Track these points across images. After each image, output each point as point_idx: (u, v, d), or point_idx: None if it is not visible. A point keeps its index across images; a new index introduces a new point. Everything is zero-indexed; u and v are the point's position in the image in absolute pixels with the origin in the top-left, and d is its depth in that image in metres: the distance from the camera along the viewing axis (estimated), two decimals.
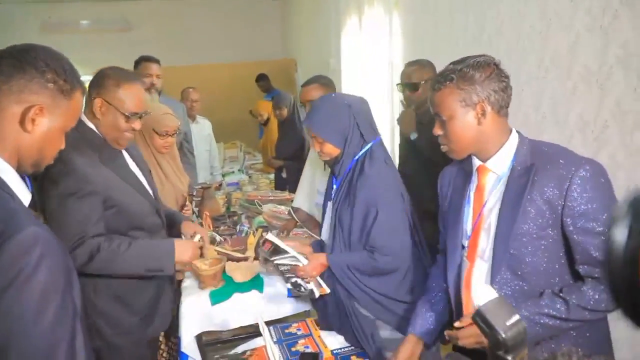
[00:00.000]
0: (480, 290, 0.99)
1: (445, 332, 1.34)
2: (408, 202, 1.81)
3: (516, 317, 0.90)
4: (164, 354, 2.21)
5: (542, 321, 1.22)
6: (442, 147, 1.39)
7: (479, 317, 0.93)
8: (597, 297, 1.19)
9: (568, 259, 1.27)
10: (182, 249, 1.79)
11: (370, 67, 4.01)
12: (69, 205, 1.59)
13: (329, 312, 1.86)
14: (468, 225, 1.39)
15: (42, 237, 0.89)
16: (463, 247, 1.41)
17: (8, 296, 0.83)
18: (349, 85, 4.47)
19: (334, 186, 1.88)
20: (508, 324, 0.89)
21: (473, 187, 1.40)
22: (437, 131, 1.36)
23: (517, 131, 1.35)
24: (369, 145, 1.77)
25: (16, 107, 0.94)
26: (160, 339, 2.22)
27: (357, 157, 1.78)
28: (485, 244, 1.34)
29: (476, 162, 1.37)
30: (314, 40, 6.10)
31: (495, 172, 1.34)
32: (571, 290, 1.23)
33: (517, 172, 1.29)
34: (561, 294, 1.23)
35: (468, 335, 1.25)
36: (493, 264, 1.30)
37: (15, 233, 0.85)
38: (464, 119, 1.30)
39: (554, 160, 1.24)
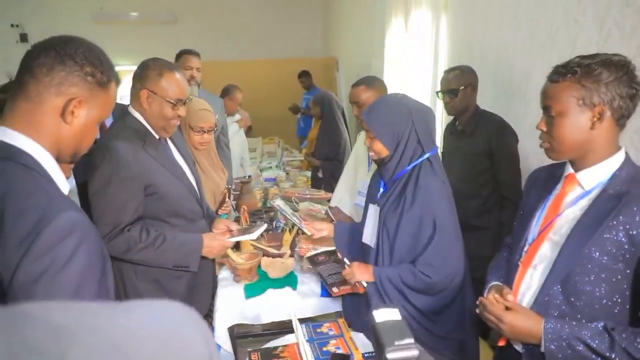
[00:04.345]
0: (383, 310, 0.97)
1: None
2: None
3: (409, 340, 0.88)
4: None
5: (577, 348, 1.11)
6: (542, 144, 1.28)
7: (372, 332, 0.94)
8: None
9: (634, 303, 1.14)
10: (210, 246, 1.86)
11: (414, 70, 3.95)
12: (107, 191, 1.66)
13: (362, 312, 1.84)
14: (536, 230, 1.31)
15: (80, 223, 0.86)
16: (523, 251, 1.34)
17: (44, 284, 0.80)
18: (391, 87, 4.41)
19: (381, 189, 1.84)
20: (397, 343, 0.88)
21: (554, 194, 1.31)
22: (541, 126, 1.25)
23: (626, 152, 1.22)
24: (426, 155, 1.72)
25: (57, 100, 0.95)
26: None
27: (413, 165, 1.73)
28: (546, 255, 1.26)
29: (568, 170, 1.28)
30: (356, 40, 6.07)
31: (582, 186, 1.23)
32: (624, 332, 1.10)
33: (607, 195, 1.17)
34: (611, 331, 1.11)
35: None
36: (548, 278, 1.22)
37: (53, 219, 0.83)
38: (576, 120, 1.17)
39: None
